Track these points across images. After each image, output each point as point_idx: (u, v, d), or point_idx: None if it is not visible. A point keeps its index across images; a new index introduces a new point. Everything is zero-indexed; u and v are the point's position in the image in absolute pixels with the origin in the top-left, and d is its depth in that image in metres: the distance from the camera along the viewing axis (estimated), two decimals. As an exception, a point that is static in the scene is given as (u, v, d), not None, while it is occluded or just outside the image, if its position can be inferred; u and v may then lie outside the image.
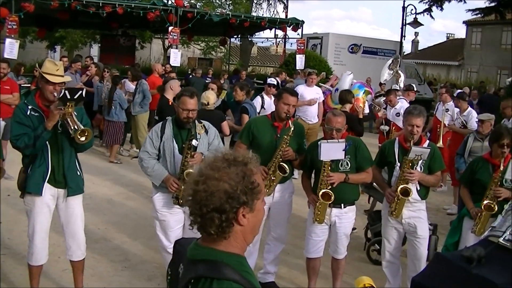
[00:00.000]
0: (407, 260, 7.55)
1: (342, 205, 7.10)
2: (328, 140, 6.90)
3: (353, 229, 9.48)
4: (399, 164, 7.10)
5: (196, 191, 2.62)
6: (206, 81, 21.23)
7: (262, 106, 12.63)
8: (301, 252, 7.83)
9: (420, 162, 6.98)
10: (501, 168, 7.01)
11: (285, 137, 7.14)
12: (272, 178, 7.10)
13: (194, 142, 6.69)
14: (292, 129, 7.17)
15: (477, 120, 11.61)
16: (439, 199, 13.68)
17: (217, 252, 2.64)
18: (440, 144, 13.40)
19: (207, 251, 2.65)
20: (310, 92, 14.93)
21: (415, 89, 14.34)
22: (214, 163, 2.67)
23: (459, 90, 17.15)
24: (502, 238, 3.97)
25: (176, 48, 22.20)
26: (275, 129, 7.34)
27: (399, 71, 17.77)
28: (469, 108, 13.65)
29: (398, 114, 12.71)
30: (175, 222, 6.97)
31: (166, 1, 23.62)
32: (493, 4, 34.01)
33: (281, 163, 7.11)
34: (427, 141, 7.37)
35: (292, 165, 7.43)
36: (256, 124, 7.54)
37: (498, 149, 7.14)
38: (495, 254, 3.92)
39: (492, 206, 6.79)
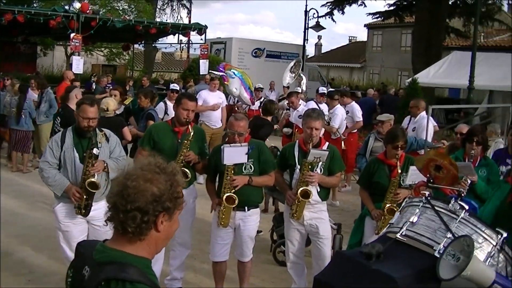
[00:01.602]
0: (312, 260, 7.66)
1: (246, 208, 7.14)
2: (231, 144, 6.94)
3: (259, 231, 9.58)
4: (299, 166, 7.19)
5: (126, 186, 2.67)
6: (107, 88, 21.00)
7: (166, 112, 12.60)
8: (207, 256, 7.86)
9: (320, 164, 7.09)
10: (398, 170, 7.18)
11: (186, 142, 7.17)
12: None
13: (95, 150, 6.58)
14: (192, 133, 7.20)
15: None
16: (343, 198, 13.90)
17: (126, 254, 2.68)
18: (342, 146, 13.72)
19: (116, 254, 2.68)
20: (214, 97, 14.94)
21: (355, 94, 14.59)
22: (148, 166, 2.76)
23: (330, 89, 17.44)
24: (399, 234, 4.09)
25: (79, 55, 21.87)
26: (176, 134, 7.35)
27: (301, 74, 18.02)
28: (353, 103, 14.27)
29: (300, 117, 12.89)
30: (78, 233, 6.87)
31: (67, 8, 23.22)
32: (392, 8, 34.92)
33: (182, 168, 7.12)
34: (327, 143, 7.50)
35: (195, 169, 7.46)
36: (157, 130, 7.53)
37: (392, 150, 7.28)
38: (393, 250, 4.03)
39: (395, 209, 6.88)
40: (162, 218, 2.72)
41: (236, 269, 7.61)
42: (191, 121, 7.37)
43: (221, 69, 14.56)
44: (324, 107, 13.95)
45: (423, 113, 11.90)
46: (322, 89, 15.45)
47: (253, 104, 14.12)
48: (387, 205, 7.07)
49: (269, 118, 11.60)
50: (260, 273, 8.63)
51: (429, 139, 11.14)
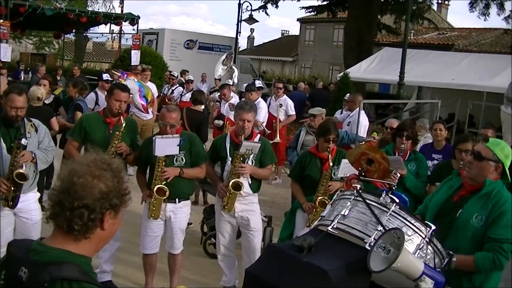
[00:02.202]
0: (242, 252, 7.66)
1: (177, 200, 7.10)
2: (163, 136, 6.88)
3: (189, 223, 9.57)
4: (230, 158, 7.18)
5: (72, 183, 2.60)
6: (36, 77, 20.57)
7: (97, 103, 12.41)
8: (137, 249, 7.77)
9: (251, 156, 7.09)
10: (330, 163, 7.25)
11: (117, 133, 7.07)
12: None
13: (23, 141, 6.40)
14: (124, 125, 7.11)
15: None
16: (274, 191, 13.96)
17: (68, 253, 2.61)
18: (277, 139, 13.77)
19: (57, 253, 2.60)
20: (145, 88, 14.81)
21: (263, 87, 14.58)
22: (94, 162, 2.70)
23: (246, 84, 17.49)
24: (330, 227, 4.11)
25: (6, 42, 21.31)
26: (107, 125, 7.24)
27: (233, 67, 18.02)
28: (285, 97, 14.48)
29: (232, 109, 12.87)
30: (5, 225, 6.69)
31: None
32: (325, 3, 35.18)
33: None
34: (258, 136, 7.51)
35: (125, 161, 7.37)
36: (88, 121, 7.40)
37: (324, 143, 7.34)
38: (325, 242, 4.03)
39: (326, 202, 6.92)
40: (108, 215, 2.68)
41: (166, 262, 7.54)
42: (123, 112, 7.27)
43: (123, 75, 14.24)
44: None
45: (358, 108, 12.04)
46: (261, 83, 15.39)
47: (146, 111, 13.88)
48: (319, 198, 7.13)
49: (201, 108, 11.53)
50: (191, 265, 8.60)
51: (364, 134, 11.26)
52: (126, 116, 7.66)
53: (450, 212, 4.82)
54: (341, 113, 13.81)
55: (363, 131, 11.29)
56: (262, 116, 13.47)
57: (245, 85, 15.67)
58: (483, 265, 4.55)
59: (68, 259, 2.59)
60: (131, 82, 13.23)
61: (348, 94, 15.07)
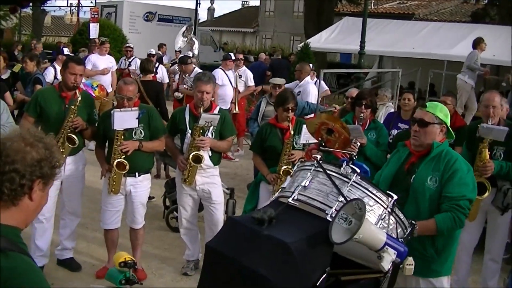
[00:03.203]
0: (205, 225, 7.61)
1: (137, 173, 7.03)
2: (121, 109, 6.78)
3: (151, 197, 9.52)
4: (190, 131, 7.10)
5: (5, 147, 2.60)
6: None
7: (55, 77, 12.24)
8: (98, 224, 7.70)
9: (211, 128, 7.03)
10: (291, 131, 7.21)
11: (73, 107, 6.93)
12: (61, 150, 6.84)
13: None
14: (80, 99, 6.97)
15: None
16: (236, 163, 13.97)
17: None
18: (236, 110, 13.72)
19: None
20: (103, 61, 14.68)
21: (232, 58, 14.42)
22: (28, 133, 2.70)
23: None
24: (291, 198, 4.05)
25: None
26: (63, 99, 7.07)
27: (193, 38, 17.88)
28: (245, 68, 14.46)
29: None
30: None
31: None
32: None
33: (69, 135, 6.90)
34: (218, 107, 7.43)
35: (83, 136, 7.23)
36: (43, 95, 7.23)
37: (283, 113, 7.27)
38: (286, 215, 3.98)
39: (290, 171, 6.88)
40: (38, 185, 2.65)
41: (128, 237, 7.47)
42: (78, 86, 7.12)
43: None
44: (230, 73, 13.93)
45: (308, 78, 12.06)
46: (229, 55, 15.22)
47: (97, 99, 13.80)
48: (282, 167, 7.09)
49: (150, 77, 11.40)
50: (153, 240, 8.58)
51: (314, 102, 11.22)
52: (82, 91, 7.52)
53: (403, 181, 4.88)
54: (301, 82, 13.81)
55: (313, 100, 11.26)
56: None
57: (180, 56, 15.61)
58: (445, 225, 4.60)
59: None
60: None
61: (310, 65, 15.04)
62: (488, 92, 7.55)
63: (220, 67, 14.04)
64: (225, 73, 13.74)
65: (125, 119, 6.76)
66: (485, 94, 7.42)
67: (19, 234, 2.67)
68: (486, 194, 6.62)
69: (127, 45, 18.65)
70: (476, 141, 6.77)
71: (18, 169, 2.56)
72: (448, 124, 4.98)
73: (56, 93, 7.18)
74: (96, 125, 7.25)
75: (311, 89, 11.70)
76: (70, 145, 6.94)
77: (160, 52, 22.32)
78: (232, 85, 13.81)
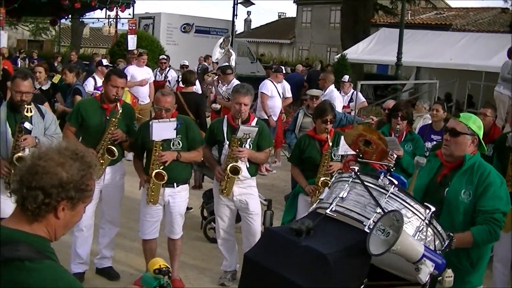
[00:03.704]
0: (242, 236, 7.64)
1: (175, 184, 7.07)
2: (159, 120, 6.85)
3: (189, 208, 9.57)
4: (228, 142, 7.14)
5: (35, 164, 2.63)
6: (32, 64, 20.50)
7: (96, 88, 12.40)
8: (136, 234, 7.75)
9: (248, 140, 7.06)
10: (330, 143, 7.22)
11: (113, 119, 7.03)
12: (101, 161, 6.95)
13: (27, 125, 6.53)
14: (120, 111, 7.07)
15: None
16: (274, 175, 13.99)
17: (21, 233, 2.63)
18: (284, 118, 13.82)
19: (11, 232, 2.62)
20: (141, 73, 14.82)
21: (284, 71, 14.53)
22: (63, 151, 2.71)
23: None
24: (329, 210, 4.08)
25: (2, 29, 21.19)
26: (104, 111, 7.18)
27: (230, 50, 17.94)
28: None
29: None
30: (7, 209, 6.69)
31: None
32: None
33: (109, 146, 7.01)
34: (256, 119, 7.45)
35: (122, 147, 7.34)
36: (85, 106, 7.35)
37: (322, 125, 7.30)
38: (323, 226, 4.00)
39: (328, 182, 6.90)
40: (64, 205, 2.69)
41: (166, 247, 7.52)
42: (120, 98, 7.23)
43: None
44: (279, 86, 14.07)
45: (332, 86, 12.12)
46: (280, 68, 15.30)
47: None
48: (321, 179, 7.10)
49: (192, 88, 11.49)
50: (191, 250, 8.60)
51: (339, 110, 11.22)
52: (124, 102, 7.63)
53: (436, 193, 4.87)
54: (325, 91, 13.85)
55: (338, 108, 11.27)
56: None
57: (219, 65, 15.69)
58: (481, 238, 4.59)
59: (19, 238, 2.60)
60: None
61: (346, 76, 15.05)
62: None
63: (269, 78, 14.05)
64: (275, 85, 13.79)
65: (163, 129, 6.82)
66: None
67: (47, 244, 2.71)
68: None
69: (161, 56, 18.84)
70: (506, 151, 6.78)
71: (43, 188, 2.60)
72: (481, 137, 4.94)
73: (97, 105, 7.29)
74: (135, 135, 7.32)
75: (336, 97, 11.79)
76: (109, 157, 7.04)
77: (205, 64, 22.46)
78: (280, 97, 13.89)
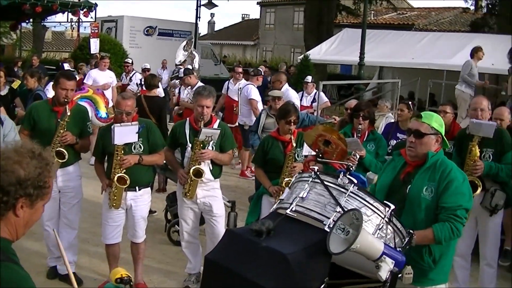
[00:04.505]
0: (206, 238, 7.63)
1: (137, 188, 7.04)
2: (121, 124, 6.81)
3: (153, 211, 9.54)
4: (190, 145, 7.13)
5: None
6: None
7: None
8: (100, 239, 7.68)
9: (211, 142, 7.06)
10: (293, 144, 7.23)
11: (62, 122, 7.01)
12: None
13: None
14: (69, 114, 7.04)
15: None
16: (237, 176, 14.00)
17: None
18: (237, 123, 13.77)
19: None
20: (104, 76, 14.75)
21: (263, 74, 14.55)
22: (20, 149, 2.73)
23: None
24: (289, 210, 4.08)
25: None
26: (55, 114, 7.16)
27: (194, 52, 17.96)
28: (243, 80, 14.40)
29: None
30: None
31: None
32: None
33: (58, 149, 6.99)
34: (218, 121, 7.45)
35: (76, 149, 7.32)
36: (37, 110, 7.33)
37: (285, 125, 7.32)
38: (284, 226, 4.01)
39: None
40: (22, 203, 2.69)
41: (130, 251, 7.47)
42: (70, 100, 7.18)
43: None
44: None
45: (286, 85, 12.19)
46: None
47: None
48: (285, 180, 7.10)
49: (156, 92, 11.45)
50: (156, 254, 8.57)
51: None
52: (76, 105, 7.59)
53: (400, 190, 4.90)
54: (302, 95, 13.89)
55: None
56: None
57: (182, 69, 15.63)
58: (442, 235, 4.61)
59: None
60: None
61: (309, 77, 15.13)
62: (476, 96, 7.76)
63: (250, 82, 14.03)
64: (256, 88, 13.78)
65: (125, 133, 6.78)
66: (473, 98, 7.67)
67: (9, 246, 2.71)
68: (478, 192, 6.81)
69: (125, 60, 18.76)
70: (465, 145, 6.92)
71: (2, 186, 2.60)
72: (443, 134, 4.99)
73: (48, 107, 7.28)
74: (96, 140, 7.28)
75: (292, 96, 11.88)
76: (59, 160, 6.98)
77: (181, 67, 22.38)
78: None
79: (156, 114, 10.41)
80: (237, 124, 13.77)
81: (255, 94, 13.15)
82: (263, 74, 14.57)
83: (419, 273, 4.66)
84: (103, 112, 13.09)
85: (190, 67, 16.02)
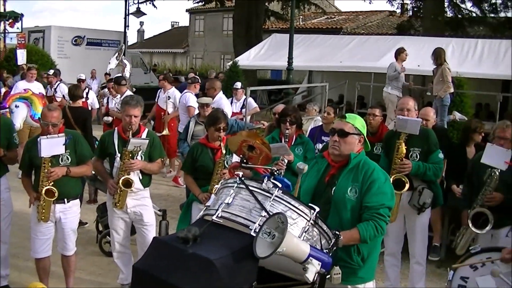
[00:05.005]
0: (138, 248, 7.62)
1: (66, 200, 6.98)
2: (48, 136, 6.74)
3: (84, 223, 9.45)
4: (119, 155, 7.12)
5: None
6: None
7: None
8: (30, 253, 7.59)
9: (140, 152, 7.05)
10: (223, 150, 7.28)
11: None
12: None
13: None
14: None
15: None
16: (169, 185, 13.98)
17: None
18: (166, 131, 13.74)
19: None
20: (31, 88, 14.48)
21: (199, 81, 14.51)
22: None
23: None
24: (215, 216, 4.11)
25: None
26: None
27: (124, 61, 17.87)
28: (173, 89, 14.69)
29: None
30: None
31: None
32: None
33: None
34: (146, 130, 7.44)
35: (2, 162, 7.24)
36: None
37: (215, 132, 7.36)
38: (211, 232, 4.02)
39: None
40: None
41: (61, 264, 7.40)
42: None
43: (5, 105, 13.72)
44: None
45: (220, 93, 12.24)
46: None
47: None
48: (215, 187, 7.08)
49: (80, 102, 11.35)
50: (88, 265, 8.51)
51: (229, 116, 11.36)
52: (2, 117, 7.49)
53: (325, 193, 4.96)
54: (231, 101, 13.94)
55: (228, 114, 11.43)
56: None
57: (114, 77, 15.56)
58: (367, 234, 4.68)
59: None
60: (20, 111, 13.00)
61: (239, 83, 15.21)
62: (403, 97, 7.95)
63: (188, 90, 13.97)
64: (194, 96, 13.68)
65: (52, 145, 6.71)
66: (400, 99, 7.84)
67: None
68: (405, 189, 7.01)
69: (45, 72, 18.49)
70: (393, 144, 7.11)
71: None
72: (365, 135, 5.10)
73: None
74: (22, 153, 7.18)
75: (225, 104, 11.96)
76: None
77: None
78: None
79: (81, 125, 10.30)
80: (166, 132, 13.77)
81: (193, 102, 13.14)
82: (199, 81, 14.54)
83: (349, 272, 4.76)
84: (39, 113, 12.93)
85: (120, 75, 15.89)
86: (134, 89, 16.71)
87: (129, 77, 18.35)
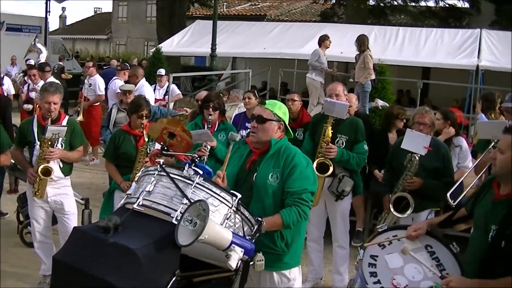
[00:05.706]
0: (59, 238, 7.51)
1: None
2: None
3: (5, 214, 9.24)
4: (38, 143, 6.98)
5: None
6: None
7: None
8: None
9: (60, 139, 6.93)
10: (146, 138, 7.23)
11: None
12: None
13: None
14: None
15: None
16: (92, 173, 13.80)
17: None
18: (80, 118, 13.57)
19: None
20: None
21: (128, 68, 14.27)
22: None
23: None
24: (136, 204, 4.06)
25: None
26: None
27: (38, 46, 17.59)
28: (96, 76, 14.59)
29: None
30: None
31: None
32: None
33: None
34: (67, 117, 7.33)
35: None
36: None
37: (137, 120, 7.33)
38: (132, 221, 3.98)
39: None
40: None
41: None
42: None
43: None
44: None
45: (143, 81, 12.22)
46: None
47: None
48: (137, 175, 7.04)
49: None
50: (9, 257, 8.32)
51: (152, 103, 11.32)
52: None
53: (247, 179, 4.96)
54: (155, 88, 13.86)
55: (151, 101, 11.42)
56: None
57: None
58: (290, 219, 4.69)
59: None
60: None
61: (162, 70, 15.12)
62: (332, 83, 8.03)
63: (116, 77, 13.71)
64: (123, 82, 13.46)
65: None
66: (330, 85, 7.93)
67: None
68: (329, 172, 7.09)
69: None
70: (320, 128, 7.18)
71: None
72: (287, 122, 5.11)
73: None
74: None
75: (147, 90, 11.91)
76: None
77: (61, 63, 21.79)
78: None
79: (1, 114, 10.04)
80: (80, 118, 13.65)
81: None
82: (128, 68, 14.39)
83: (274, 259, 4.79)
84: None
85: (32, 62, 15.60)
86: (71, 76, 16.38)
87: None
